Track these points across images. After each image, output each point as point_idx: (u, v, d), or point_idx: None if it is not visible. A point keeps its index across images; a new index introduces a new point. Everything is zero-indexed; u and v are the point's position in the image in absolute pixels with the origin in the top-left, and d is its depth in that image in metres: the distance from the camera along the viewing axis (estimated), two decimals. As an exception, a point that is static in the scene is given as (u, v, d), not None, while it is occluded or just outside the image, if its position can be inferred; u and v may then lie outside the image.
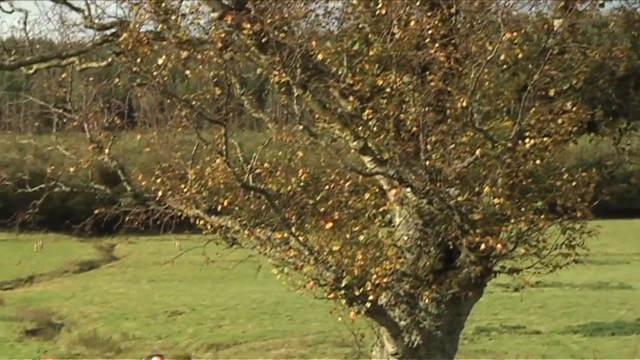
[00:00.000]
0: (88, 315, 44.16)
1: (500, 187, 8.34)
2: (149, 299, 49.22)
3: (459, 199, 8.29)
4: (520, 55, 8.40)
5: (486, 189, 8.35)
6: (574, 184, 8.76)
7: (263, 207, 9.15)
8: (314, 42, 8.50)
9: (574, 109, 8.51)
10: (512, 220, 8.49)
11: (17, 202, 11.72)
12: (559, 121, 8.43)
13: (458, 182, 8.51)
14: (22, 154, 77.22)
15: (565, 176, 8.79)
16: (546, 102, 8.57)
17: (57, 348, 36.09)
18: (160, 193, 9.57)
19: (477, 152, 8.22)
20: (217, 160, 9.20)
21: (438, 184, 8.29)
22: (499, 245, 8.30)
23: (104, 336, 38.40)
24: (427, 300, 8.92)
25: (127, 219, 10.11)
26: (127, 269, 66.72)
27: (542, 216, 8.52)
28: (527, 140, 8.18)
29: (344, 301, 8.48)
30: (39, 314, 45.67)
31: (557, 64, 8.49)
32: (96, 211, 10.12)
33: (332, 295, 8.41)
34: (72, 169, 9.98)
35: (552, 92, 8.55)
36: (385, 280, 8.42)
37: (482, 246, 8.27)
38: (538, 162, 8.35)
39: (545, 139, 8.30)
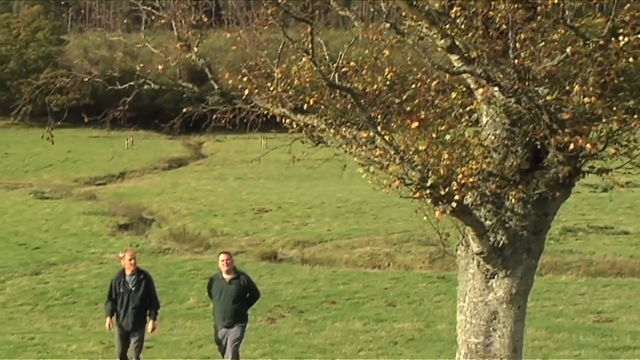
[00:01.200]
0: (177, 211, 45.29)
1: (591, 86, 8.16)
2: (236, 196, 50.16)
3: (548, 97, 8.14)
4: (615, -51, 8.10)
5: (576, 87, 8.17)
6: (668, 82, 8.52)
7: (349, 106, 9.13)
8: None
9: (671, 4, 8.22)
10: (603, 120, 8.32)
11: (108, 99, 11.96)
12: (655, 17, 8.16)
13: (547, 81, 8.35)
14: (112, 51, 78.37)
15: (660, 75, 8.54)
16: (642, -2, 8.28)
17: (149, 242, 37.22)
18: (246, 91, 9.62)
19: (568, 49, 8.03)
20: (303, 59, 9.18)
21: (527, 83, 8.15)
22: (588, 145, 8.17)
23: (193, 232, 39.43)
24: (513, 200, 8.86)
25: (214, 117, 10.22)
26: (214, 166, 67.93)
27: (634, 115, 8.33)
28: (620, 37, 7.95)
29: (429, 200, 8.48)
30: (131, 209, 47.04)
31: (654, -42, 8.17)
32: (184, 109, 10.24)
33: (417, 194, 8.42)
34: (160, 67, 10.09)
35: (648, -13, 8.26)
36: (471, 179, 8.39)
37: (571, 146, 8.15)
38: (631, 60, 8.12)
39: (639, 36, 8.06)
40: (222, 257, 14.43)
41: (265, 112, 9.81)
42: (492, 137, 8.96)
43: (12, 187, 56.20)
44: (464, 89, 9.23)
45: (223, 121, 10.20)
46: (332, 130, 9.27)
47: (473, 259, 9.15)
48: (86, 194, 53.66)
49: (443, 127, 8.75)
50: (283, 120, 9.78)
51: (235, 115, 10.10)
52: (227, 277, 14.07)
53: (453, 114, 9.17)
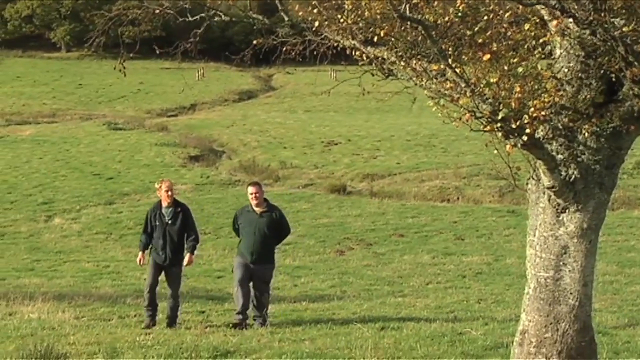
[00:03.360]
0: (247, 144, 45.68)
1: (669, 17, 7.95)
2: (306, 128, 50.33)
3: (625, 29, 7.96)
4: None
5: (654, 18, 7.97)
6: None
7: (419, 38, 9.04)
8: None
9: None
10: (681, 52, 8.12)
11: (179, 31, 12.00)
12: None
13: (624, 12, 8.16)
14: (182, -17, 78.33)
15: None
16: None
17: (219, 174, 37.67)
18: (316, 23, 9.58)
19: (647, -21, 7.82)
20: (373, -10, 9.08)
21: (602, 14, 7.97)
22: (665, 78, 7.99)
23: (263, 164, 39.75)
24: (586, 134, 8.74)
25: (284, 49, 10.21)
26: (284, 99, 68.13)
27: None
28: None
29: (500, 134, 8.40)
30: (201, 141, 47.56)
31: None
32: (254, 41, 10.25)
33: (488, 127, 8.34)
34: (230, -1, 10.09)
35: None
36: (543, 113, 8.28)
37: (647, 79, 7.98)
38: None
39: None
40: (251, 189, 13.29)
41: (335, 44, 9.77)
42: (566, 70, 8.81)
43: (86, 118, 57.18)
44: (538, 21, 9.07)
45: (293, 53, 10.19)
46: (402, 63, 9.20)
47: (544, 193, 9.07)
48: (158, 125, 54.32)
49: (515, 60, 8.62)
50: (353, 53, 9.73)
51: (305, 48, 10.07)
52: (258, 209, 13.12)
53: (526, 46, 9.02)
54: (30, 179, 36.24)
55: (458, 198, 32.97)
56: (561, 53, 8.82)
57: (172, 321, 13.01)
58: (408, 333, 12.21)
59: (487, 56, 8.43)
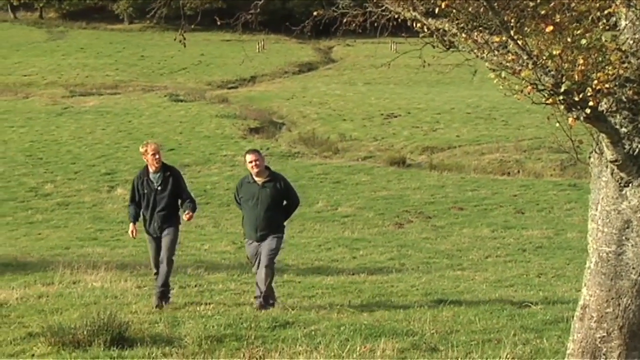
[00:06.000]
0: (307, 116, 45.79)
1: None
2: (365, 101, 50.27)
3: (693, 0, 7.80)
4: None
5: None
6: None
7: (481, 9, 8.95)
8: None
9: None
10: None
11: (240, 3, 12.02)
12: None
13: (692, -18, 7.98)
14: (243, -45, 78.39)
15: None
16: None
17: (279, 146, 37.83)
18: (376, -6, 9.54)
19: None
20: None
21: (670, -15, 7.81)
22: None
23: (322, 136, 39.83)
24: (651, 107, 8.61)
25: (344, 20, 10.19)
26: (344, 71, 68.03)
27: None
28: None
29: (562, 107, 8.30)
30: (261, 113, 47.79)
31: None
32: (315, 13, 10.24)
33: (550, 100, 8.25)
34: (291, -29, 10.08)
35: None
36: (607, 85, 8.16)
37: None
38: None
39: None
40: (250, 157, 11.88)
41: (396, 15, 9.72)
42: (631, 42, 8.66)
43: (148, 90, 57.71)
44: (603, -8, 8.92)
45: (353, 25, 10.15)
46: (463, 35, 9.12)
47: (607, 166, 8.96)
48: (218, 97, 54.64)
49: (579, 31, 8.50)
50: (414, 25, 9.66)
51: (365, 19, 10.03)
52: (258, 179, 11.89)
53: (590, 18, 8.88)
54: (93, 150, 36.78)
55: (518, 171, 32.72)
56: (626, 24, 8.67)
57: (163, 293, 12.13)
58: (467, 306, 12.19)
59: (550, 28, 8.33)
